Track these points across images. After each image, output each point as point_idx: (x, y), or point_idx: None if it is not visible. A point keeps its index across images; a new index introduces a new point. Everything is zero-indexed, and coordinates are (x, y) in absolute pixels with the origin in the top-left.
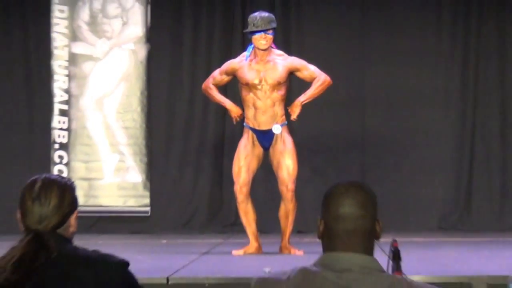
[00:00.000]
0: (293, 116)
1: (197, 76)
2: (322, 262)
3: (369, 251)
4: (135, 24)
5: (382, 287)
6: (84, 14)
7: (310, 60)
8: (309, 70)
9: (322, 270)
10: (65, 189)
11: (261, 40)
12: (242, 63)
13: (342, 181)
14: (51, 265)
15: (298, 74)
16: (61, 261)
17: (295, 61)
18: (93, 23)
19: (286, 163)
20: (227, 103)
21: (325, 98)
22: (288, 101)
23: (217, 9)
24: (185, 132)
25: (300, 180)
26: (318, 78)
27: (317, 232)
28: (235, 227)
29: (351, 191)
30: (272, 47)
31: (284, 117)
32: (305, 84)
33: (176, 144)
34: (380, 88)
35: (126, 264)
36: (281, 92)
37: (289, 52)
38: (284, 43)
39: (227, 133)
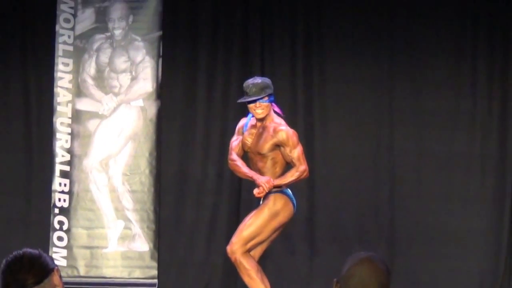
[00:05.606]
0: (258, 194)
1: (211, 137)
2: None
3: None
4: (145, 79)
5: None
6: (90, 68)
7: (333, 110)
8: (292, 153)
9: None
10: (33, 257)
11: (256, 109)
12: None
13: (358, 254)
14: None
15: (282, 150)
16: None
17: (283, 136)
18: (99, 78)
19: (246, 222)
20: (255, 175)
21: (349, 167)
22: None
23: (234, 64)
24: (197, 198)
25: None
26: (297, 169)
27: None
28: None
29: (365, 264)
30: (276, 112)
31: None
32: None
33: (187, 210)
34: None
35: None
36: (265, 163)
37: (311, 99)
38: (306, 86)
39: (244, 198)
